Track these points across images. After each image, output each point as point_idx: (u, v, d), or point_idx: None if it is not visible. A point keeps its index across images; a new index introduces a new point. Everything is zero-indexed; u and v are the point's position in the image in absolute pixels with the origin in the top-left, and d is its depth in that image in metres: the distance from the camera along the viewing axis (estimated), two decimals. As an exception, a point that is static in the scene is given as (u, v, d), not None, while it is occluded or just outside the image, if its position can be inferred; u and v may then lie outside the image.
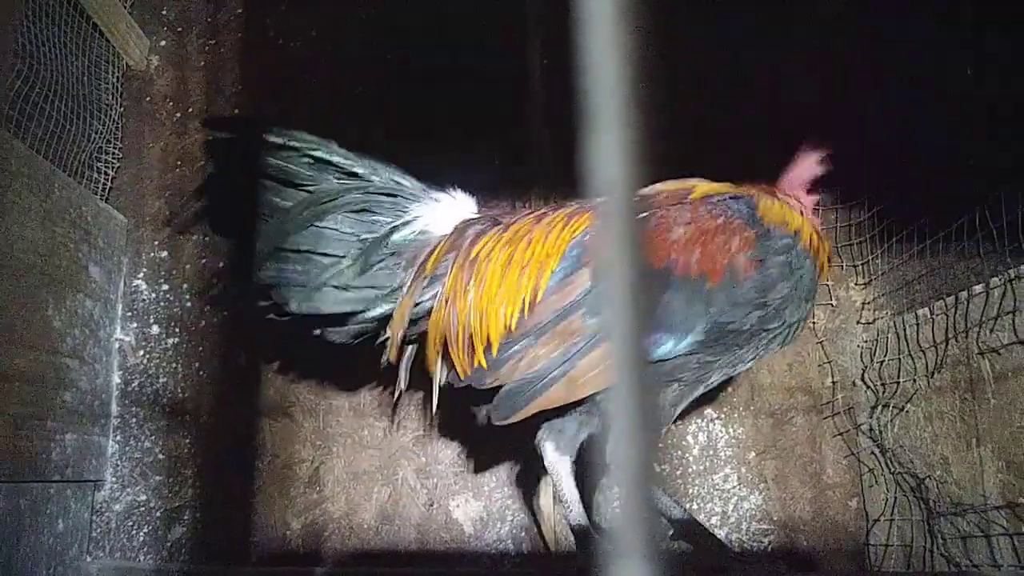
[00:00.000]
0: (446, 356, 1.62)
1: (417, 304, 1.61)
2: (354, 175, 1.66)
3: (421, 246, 1.64)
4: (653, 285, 1.45)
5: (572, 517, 1.63)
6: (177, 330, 2.31)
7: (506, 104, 2.41)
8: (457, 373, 1.58)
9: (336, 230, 1.61)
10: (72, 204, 2.02)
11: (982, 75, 2.06)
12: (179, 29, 2.52)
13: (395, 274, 1.62)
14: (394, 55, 2.48)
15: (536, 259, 1.54)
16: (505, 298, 1.53)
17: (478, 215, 1.71)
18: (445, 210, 1.68)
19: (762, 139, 2.38)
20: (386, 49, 2.49)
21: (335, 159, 1.65)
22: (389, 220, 1.63)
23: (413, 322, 1.63)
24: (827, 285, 2.31)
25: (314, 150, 1.64)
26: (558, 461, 1.61)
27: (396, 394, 1.81)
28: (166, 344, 2.30)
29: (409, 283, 1.62)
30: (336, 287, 1.59)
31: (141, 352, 2.30)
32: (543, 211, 1.67)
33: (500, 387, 1.52)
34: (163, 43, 2.51)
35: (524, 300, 1.51)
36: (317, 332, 1.69)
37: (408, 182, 1.68)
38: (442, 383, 1.66)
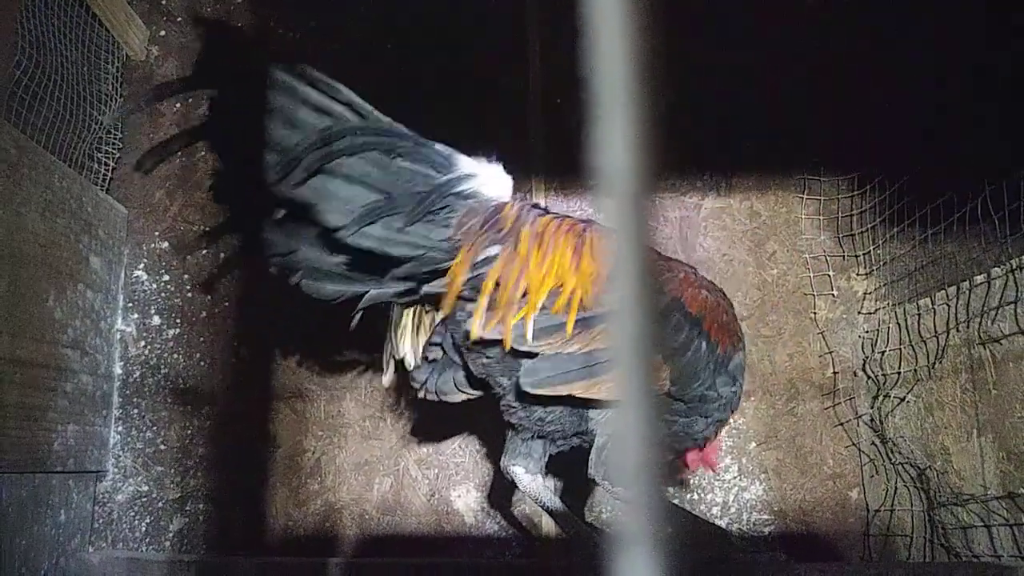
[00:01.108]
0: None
1: (479, 259, 1.57)
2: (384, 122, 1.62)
3: (478, 205, 1.60)
4: (692, 329, 1.58)
5: (562, 523, 1.69)
6: (178, 321, 2.31)
7: (507, 98, 2.41)
8: (501, 330, 1.53)
9: (376, 169, 1.56)
10: (73, 195, 2.02)
11: (982, 68, 2.06)
12: (179, 19, 2.51)
13: (449, 226, 1.58)
14: (394, 48, 2.48)
15: (600, 263, 1.57)
16: (574, 276, 1.55)
17: (525, 198, 1.72)
18: (500, 177, 1.66)
19: (763, 133, 2.39)
20: (386, 42, 2.48)
21: (369, 110, 1.61)
22: (439, 174, 1.58)
23: (471, 277, 1.58)
24: (828, 275, 2.31)
25: (345, 97, 1.61)
26: (532, 482, 1.69)
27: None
28: (167, 335, 2.30)
29: (472, 238, 1.58)
30: (387, 227, 1.53)
31: (142, 343, 2.30)
32: (585, 220, 1.70)
33: (534, 355, 1.53)
34: (163, 33, 2.50)
35: (593, 284, 1.54)
36: (354, 288, 1.61)
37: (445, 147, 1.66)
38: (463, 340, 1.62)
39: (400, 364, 1.74)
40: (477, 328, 1.55)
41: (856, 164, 2.31)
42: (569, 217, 1.67)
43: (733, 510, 2.21)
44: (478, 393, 1.69)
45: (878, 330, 2.21)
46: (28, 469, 1.85)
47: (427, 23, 2.49)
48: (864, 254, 2.29)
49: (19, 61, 1.92)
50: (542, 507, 1.73)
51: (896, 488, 2.13)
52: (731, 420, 2.24)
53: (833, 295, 2.31)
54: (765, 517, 2.21)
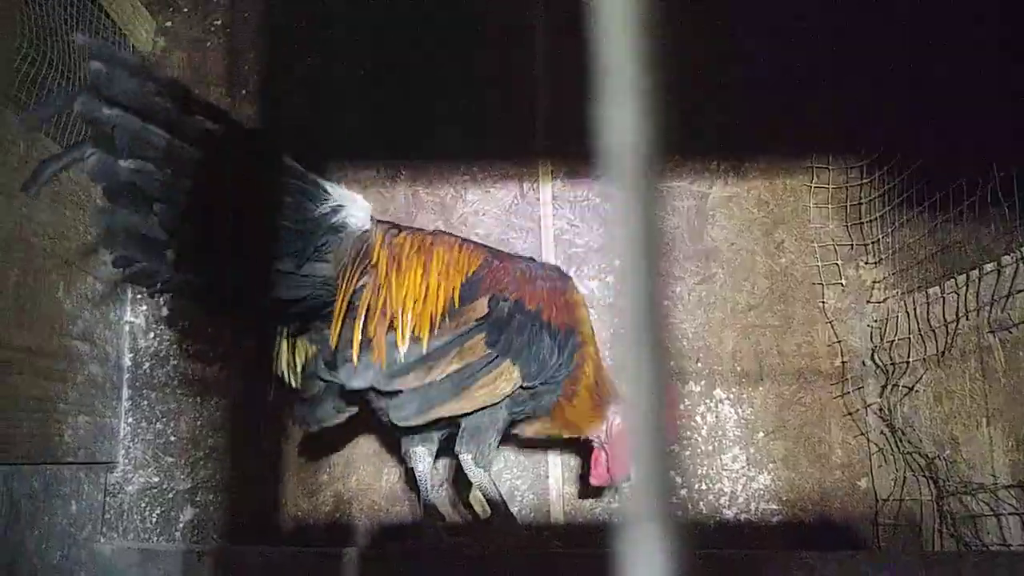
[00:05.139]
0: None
1: (355, 287, 1.63)
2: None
3: (347, 236, 1.63)
4: (533, 324, 1.70)
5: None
6: (186, 312, 2.31)
7: (514, 84, 2.40)
8: (367, 377, 1.60)
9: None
10: (81, 186, 2.03)
11: (988, 57, 2.04)
12: (185, 9, 2.51)
13: (329, 262, 1.61)
14: (402, 35, 2.47)
15: (447, 277, 1.68)
16: (424, 299, 1.64)
17: (380, 217, 1.76)
18: (362, 204, 1.68)
19: (771, 121, 2.37)
20: (394, 29, 2.47)
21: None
22: (315, 207, 1.58)
23: (347, 311, 1.63)
24: (837, 264, 2.30)
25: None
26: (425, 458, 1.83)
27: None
28: (176, 326, 2.31)
29: (346, 271, 1.62)
30: (284, 271, 1.56)
31: (151, 334, 2.31)
32: (432, 231, 1.79)
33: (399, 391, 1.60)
34: (169, 24, 2.50)
35: (435, 315, 1.63)
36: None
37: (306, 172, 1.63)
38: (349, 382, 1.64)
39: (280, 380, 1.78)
40: (347, 378, 1.60)
41: (865, 152, 2.29)
42: (420, 231, 1.75)
43: (741, 500, 2.21)
44: (355, 409, 1.78)
45: (887, 319, 2.20)
46: (39, 460, 1.86)
47: (435, 10, 2.48)
48: (873, 243, 2.28)
49: (25, 52, 1.92)
50: (425, 487, 1.85)
51: (905, 477, 2.12)
52: (739, 410, 2.25)
53: (842, 284, 2.30)
54: (773, 507, 2.21)
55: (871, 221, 2.28)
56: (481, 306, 1.66)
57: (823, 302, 2.30)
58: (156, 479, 2.24)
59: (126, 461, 2.25)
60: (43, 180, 1.41)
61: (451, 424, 1.74)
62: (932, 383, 2.00)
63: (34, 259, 1.84)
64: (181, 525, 2.22)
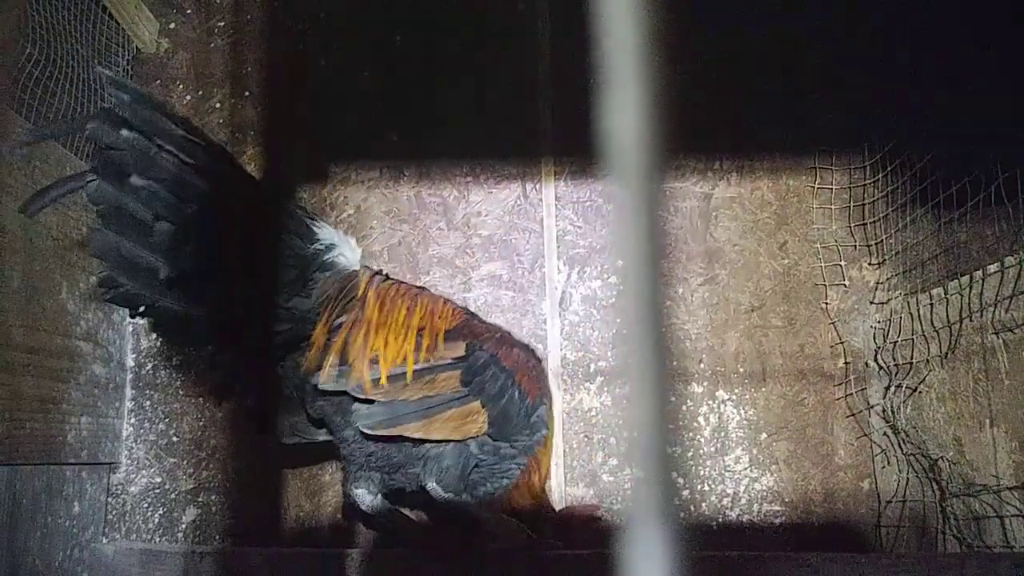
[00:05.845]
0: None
1: (335, 324, 1.73)
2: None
3: (334, 275, 1.75)
4: (506, 379, 1.79)
5: (412, 534, 1.98)
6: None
7: (518, 86, 2.40)
8: (342, 382, 1.69)
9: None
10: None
11: (990, 57, 2.04)
12: (188, 11, 2.51)
13: (311, 296, 1.73)
14: (404, 39, 2.47)
15: (431, 323, 1.79)
16: (407, 333, 1.75)
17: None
18: (352, 247, 1.81)
19: (774, 121, 2.37)
20: (396, 33, 2.48)
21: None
22: (305, 244, 1.72)
23: (327, 340, 1.72)
24: (840, 265, 2.30)
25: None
26: (373, 501, 1.84)
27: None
28: (179, 327, 2.31)
29: (329, 304, 1.73)
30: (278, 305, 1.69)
31: (154, 335, 2.31)
32: (419, 286, 1.92)
33: (371, 401, 1.69)
34: (172, 25, 2.50)
35: (423, 343, 1.74)
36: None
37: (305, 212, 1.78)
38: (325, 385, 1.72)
39: None
40: (321, 380, 1.69)
41: (869, 152, 2.29)
42: (404, 283, 1.87)
43: (743, 501, 2.21)
44: (310, 437, 1.84)
45: (890, 320, 2.19)
46: (42, 461, 1.87)
47: (438, 13, 2.48)
48: (876, 243, 2.28)
49: (30, 53, 1.92)
50: (388, 523, 1.92)
51: (908, 479, 2.12)
52: (742, 411, 2.24)
53: (845, 285, 2.30)
54: (776, 508, 2.20)
55: (875, 222, 2.28)
56: (460, 348, 1.77)
57: (826, 303, 2.30)
58: (159, 480, 2.24)
59: (129, 462, 2.25)
60: (43, 206, 1.50)
61: (407, 468, 1.77)
62: (935, 384, 2.00)
63: (38, 260, 1.85)
64: (183, 526, 2.22)
